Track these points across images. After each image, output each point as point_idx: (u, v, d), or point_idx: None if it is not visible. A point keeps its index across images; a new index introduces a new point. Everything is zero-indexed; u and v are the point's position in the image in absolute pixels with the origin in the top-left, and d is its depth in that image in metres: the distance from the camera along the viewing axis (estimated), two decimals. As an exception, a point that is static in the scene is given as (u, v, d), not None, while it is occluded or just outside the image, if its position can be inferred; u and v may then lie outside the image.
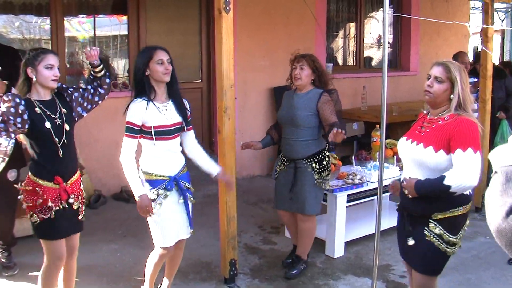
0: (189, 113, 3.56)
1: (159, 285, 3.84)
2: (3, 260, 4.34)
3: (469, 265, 4.62)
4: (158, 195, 3.36)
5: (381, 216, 3.76)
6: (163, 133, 3.36)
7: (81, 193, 3.41)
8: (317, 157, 4.23)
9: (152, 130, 3.32)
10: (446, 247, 2.98)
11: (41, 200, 3.17)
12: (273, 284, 4.28)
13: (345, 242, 4.87)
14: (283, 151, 4.37)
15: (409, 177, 3.03)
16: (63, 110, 3.26)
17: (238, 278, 4.26)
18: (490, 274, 4.49)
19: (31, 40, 6.45)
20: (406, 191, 3.01)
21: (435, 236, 2.98)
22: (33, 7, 6.23)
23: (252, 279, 4.35)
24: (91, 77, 3.52)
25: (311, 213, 4.31)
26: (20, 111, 3.04)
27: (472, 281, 4.36)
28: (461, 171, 2.78)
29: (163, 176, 3.39)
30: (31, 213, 3.20)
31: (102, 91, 3.51)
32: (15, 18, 6.29)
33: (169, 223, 3.43)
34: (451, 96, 2.94)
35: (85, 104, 3.44)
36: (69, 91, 3.38)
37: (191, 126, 3.61)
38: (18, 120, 3.03)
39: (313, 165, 4.21)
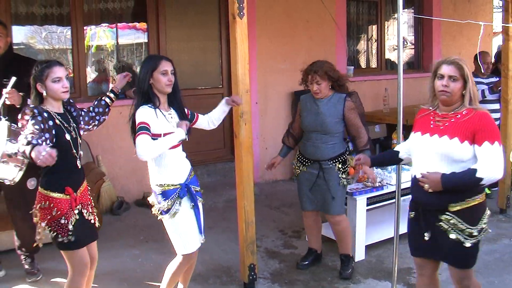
0: (187, 111, 3.65)
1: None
2: (26, 266, 4.40)
3: (492, 268, 4.53)
4: (173, 204, 3.38)
5: (401, 219, 3.74)
6: None
7: (90, 202, 3.42)
8: (342, 157, 4.30)
9: (163, 137, 3.32)
10: (465, 239, 2.97)
11: (54, 214, 3.16)
12: (293, 288, 4.27)
13: (366, 246, 4.83)
14: (306, 153, 4.36)
15: (427, 172, 3.01)
16: (74, 124, 3.30)
17: (257, 282, 4.26)
18: (514, 277, 4.40)
19: (58, 50, 6.54)
20: (427, 186, 2.99)
21: (452, 227, 2.99)
22: (54, 17, 6.32)
23: (272, 283, 4.34)
24: (102, 102, 3.63)
25: (341, 213, 4.36)
26: (48, 127, 3.02)
27: (495, 284, 4.27)
28: (491, 163, 2.86)
29: (174, 185, 3.42)
30: (49, 228, 3.20)
31: (102, 119, 3.64)
32: (41, 28, 6.39)
33: (188, 229, 3.45)
34: (463, 92, 2.99)
35: (84, 125, 3.52)
36: (77, 106, 3.45)
37: (196, 114, 3.75)
38: (47, 136, 2.99)
39: (338, 165, 4.27)
